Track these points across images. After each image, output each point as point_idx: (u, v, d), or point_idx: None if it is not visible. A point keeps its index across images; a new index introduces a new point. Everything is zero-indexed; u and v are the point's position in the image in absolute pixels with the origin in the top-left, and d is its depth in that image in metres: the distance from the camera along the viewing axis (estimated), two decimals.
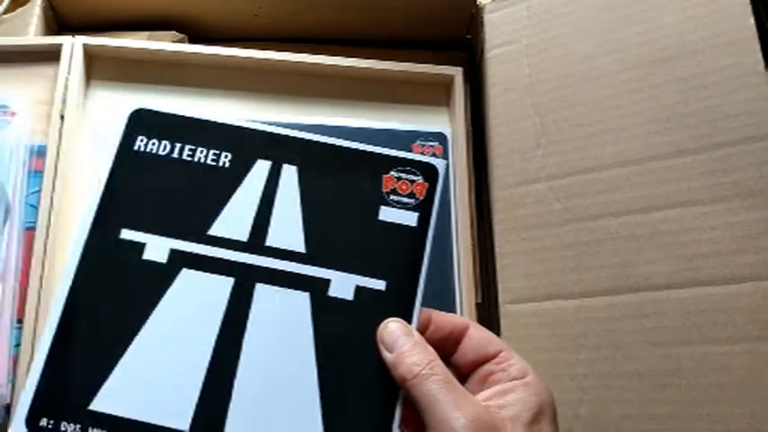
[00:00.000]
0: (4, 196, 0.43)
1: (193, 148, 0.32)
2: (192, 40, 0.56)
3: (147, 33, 0.55)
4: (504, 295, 0.43)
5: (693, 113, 0.41)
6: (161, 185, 0.32)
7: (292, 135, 0.33)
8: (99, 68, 0.50)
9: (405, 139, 0.49)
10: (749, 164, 0.39)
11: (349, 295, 0.30)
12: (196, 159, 0.32)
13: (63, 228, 0.44)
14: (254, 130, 0.33)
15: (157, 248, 0.30)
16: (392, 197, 0.33)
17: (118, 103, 0.49)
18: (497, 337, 0.32)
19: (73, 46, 0.48)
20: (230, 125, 0.33)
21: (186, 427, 0.27)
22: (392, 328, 0.29)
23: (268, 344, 0.29)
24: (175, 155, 0.32)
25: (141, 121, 0.32)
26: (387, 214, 0.32)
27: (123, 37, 0.53)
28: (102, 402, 0.28)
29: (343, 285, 0.30)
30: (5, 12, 0.54)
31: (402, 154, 0.34)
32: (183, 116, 0.33)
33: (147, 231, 0.31)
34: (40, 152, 0.46)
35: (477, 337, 0.31)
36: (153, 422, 0.27)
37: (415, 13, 0.56)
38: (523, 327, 0.42)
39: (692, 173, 0.40)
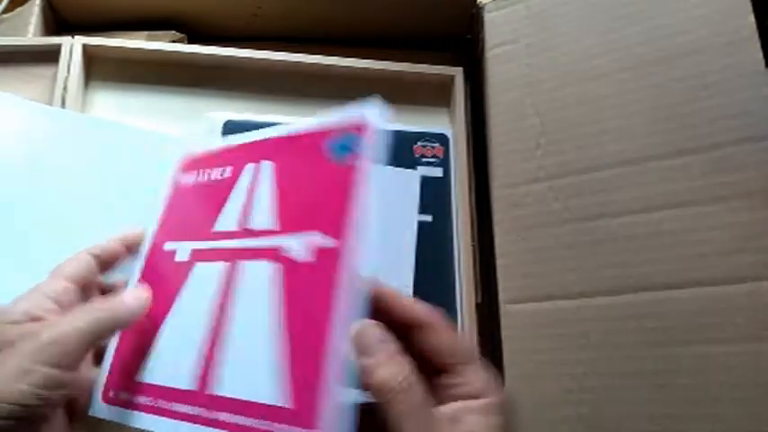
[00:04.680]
0: None
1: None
2: (192, 40, 0.56)
3: (146, 33, 0.55)
4: (504, 295, 0.43)
5: (693, 113, 0.41)
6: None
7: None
8: (98, 68, 0.50)
9: (407, 140, 0.49)
10: (749, 164, 0.39)
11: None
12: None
13: None
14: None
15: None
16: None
17: (117, 104, 0.49)
18: (464, 344, 0.30)
19: (72, 46, 0.48)
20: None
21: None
22: (366, 332, 0.28)
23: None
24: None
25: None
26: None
27: (122, 37, 0.53)
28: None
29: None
30: (4, 11, 0.54)
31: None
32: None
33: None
34: None
35: (436, 343, 0.28)
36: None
37: (416, 13, 0.56)
38: (523, 327, 0.42)
39: (692, 173, 0.40)
